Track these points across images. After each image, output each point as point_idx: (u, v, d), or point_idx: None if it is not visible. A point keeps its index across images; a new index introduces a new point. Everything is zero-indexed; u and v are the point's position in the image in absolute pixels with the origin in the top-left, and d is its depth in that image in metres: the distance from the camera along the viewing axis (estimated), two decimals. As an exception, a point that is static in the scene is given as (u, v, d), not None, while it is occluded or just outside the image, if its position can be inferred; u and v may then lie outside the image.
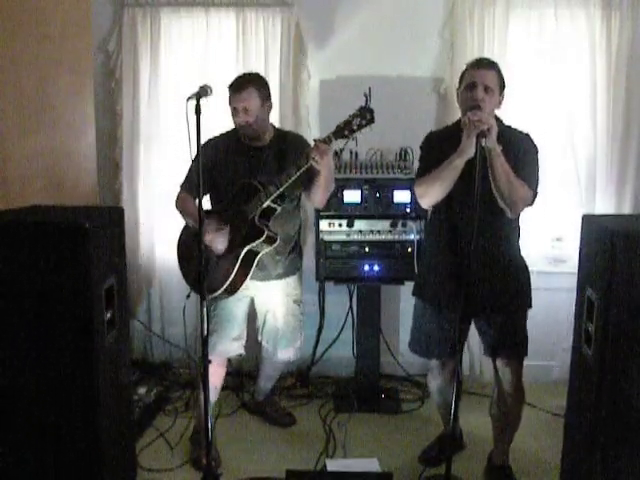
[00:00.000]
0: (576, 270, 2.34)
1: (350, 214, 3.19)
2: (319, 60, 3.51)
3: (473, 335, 2.68)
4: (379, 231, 3.19)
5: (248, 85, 2.60)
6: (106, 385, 2.24)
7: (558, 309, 3.41)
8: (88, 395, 2.17)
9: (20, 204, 2.48)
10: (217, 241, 2.57)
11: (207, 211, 2.71)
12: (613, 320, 2.00)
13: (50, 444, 2.21)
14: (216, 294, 2.57)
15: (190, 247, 2.70)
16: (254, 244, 2.57)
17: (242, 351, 2.85)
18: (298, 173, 2.50)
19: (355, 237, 3.20)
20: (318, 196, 2.67)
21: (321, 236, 3.20)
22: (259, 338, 2.96)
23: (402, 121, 3.44)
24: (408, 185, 3.09)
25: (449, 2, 3.39)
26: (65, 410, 2.18)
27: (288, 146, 2.71)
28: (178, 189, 2.78)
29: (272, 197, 2.55)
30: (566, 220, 3.43)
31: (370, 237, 3.20)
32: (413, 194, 2.95)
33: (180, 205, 2.76)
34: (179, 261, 2.79)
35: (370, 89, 2.47)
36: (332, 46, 3.49)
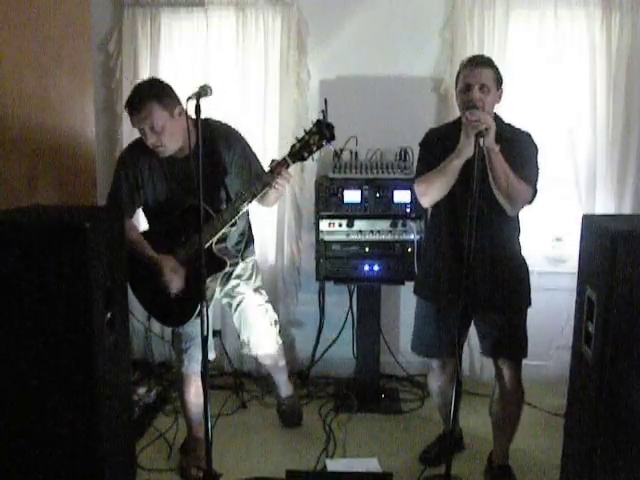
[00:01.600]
0: (576, 270, 2.34)
1: (350, 214, 3.19)
2: (319, 60, 3.51)
3: (473, 335, 2.68)
4: (379, 231, 3.19)
5: (145, 100, 2.32)
6: (106, 385, 2.24)
7: (558, 309, 3.41)
8: (88, 395, 2.17)
9: (20, 204, 2.47)
10: (173, 283, 2.45)
11: (146, 232, 2.61)
12: (613, 320, 1.99)
13: (50, 444, 2.21)
14: (187, 323, 2.51)
15: (143, 278, 2.53)
16: (217, 276, 2.49)
17: (214, 355, 2.82)
18: (254, 199, 2.37)
19: (355, 237, 3.20)
20: (268, 206, 2.63)
21: (321, 236, 3.20)
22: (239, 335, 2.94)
23: (402, 121, 3.44)
24: (408, 185, 3.09)
25: (449, 2, 3.39)
26: (65, 410, 2.18)
27: (217, 147, 2.49)
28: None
29: (228, 225, 2.41)
30: (566, 220, 3.43)
31: (370, 237, 3.20)
32: (413, 194, 2.95)
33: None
34: (132, 290, 2.60)
35: (326, 101, 2.34)
36: (332, 46, 3.49)
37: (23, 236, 2.10)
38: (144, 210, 2.62)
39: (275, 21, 3.42)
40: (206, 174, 2.33)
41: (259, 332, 2.86)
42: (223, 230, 2.42)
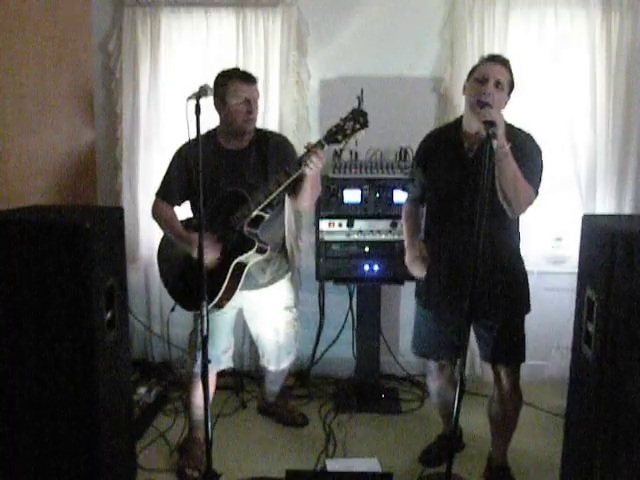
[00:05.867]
0: (576, 270, 2.34)
1: (350, 214, 3.19)
2: (319, 60, 3.51)
3: (473, 335, 2.67)
4: (379, 231, 3.19)
5: (254, 77, 2.56)
6: (106, 385, 2.24)
7: (558, 309, 3.41)
8: (88, 395, 2.17)
9: (20, 204, 2.48)
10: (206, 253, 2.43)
11: (189, 219, 2.65)
12: (613, 320, 2.00)
13: (50, 444, 2.21)
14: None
15: (171, 260, 2.62)
16: (244, 256, 2.49)
17: (231, 364, 2.80)
18: (288, 181, 2.41)
19: (355, 237, 3.20)
20: (305, 201, 2.58)
21: (321, 236, 3.20)
22: (257, 346, 2.97)
23: (402, 121, 3.44)
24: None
25: (449, 2, 3.39)
26: (65, 410, 2.18)
27: (270, 148, 2.62)
28: (154, 197, 2.69)
29: (261, 206, 2.45)
30: (566, 220, 3.42)
31: (370, 237, 3.20)
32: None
33: (159, 216, 2.65)
34: (160, 274, 2.70)
35: (362, 91, 2.41)
36: (332, 46, 3.49)
37: (23, 236, 2.11)
38: (191, 202, 2.67)
39: (275, 21, 3.42)
40: (254, 166, 2.58)
41: (280, 353, 2.92)
42: (256, 212, 2.47)
